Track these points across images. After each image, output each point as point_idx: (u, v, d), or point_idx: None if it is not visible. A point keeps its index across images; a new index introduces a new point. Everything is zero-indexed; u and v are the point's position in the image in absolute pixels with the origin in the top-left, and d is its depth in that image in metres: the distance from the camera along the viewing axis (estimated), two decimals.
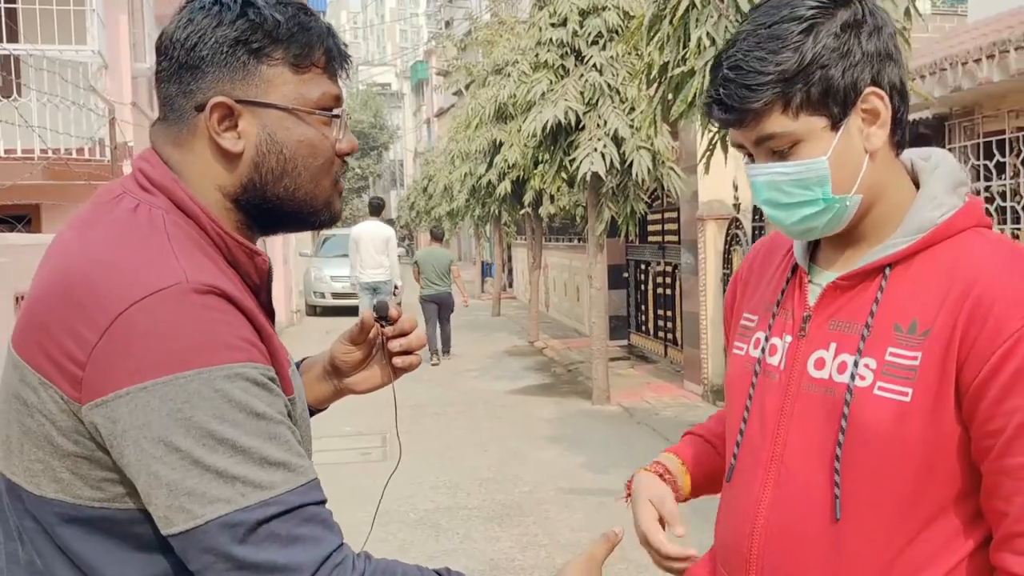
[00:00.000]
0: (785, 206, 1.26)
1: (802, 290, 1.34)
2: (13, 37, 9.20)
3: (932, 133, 8.54)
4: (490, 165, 13.13)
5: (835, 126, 1.22)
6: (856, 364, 1.23)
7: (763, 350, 1.36)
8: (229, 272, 1.16)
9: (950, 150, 8.10)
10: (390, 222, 16.32)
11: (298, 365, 1.54)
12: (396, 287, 11.98)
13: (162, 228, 1.13)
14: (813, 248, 1.38)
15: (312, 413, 1.53)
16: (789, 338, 1.34)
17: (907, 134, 1.30)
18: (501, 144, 12.17)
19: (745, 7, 4.66)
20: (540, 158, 9.31)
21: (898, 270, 1.25)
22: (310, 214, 1.26)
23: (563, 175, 9.14)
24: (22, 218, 9.66)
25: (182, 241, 1.12)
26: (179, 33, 1.18)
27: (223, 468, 1.02)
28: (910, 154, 1.33)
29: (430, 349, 12.21)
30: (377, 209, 12.36)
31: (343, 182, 1.30)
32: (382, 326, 1.47)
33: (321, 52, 1.21)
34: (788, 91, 1.20)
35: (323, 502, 1.10)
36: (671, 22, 4.91)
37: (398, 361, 1.49)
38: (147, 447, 1.02)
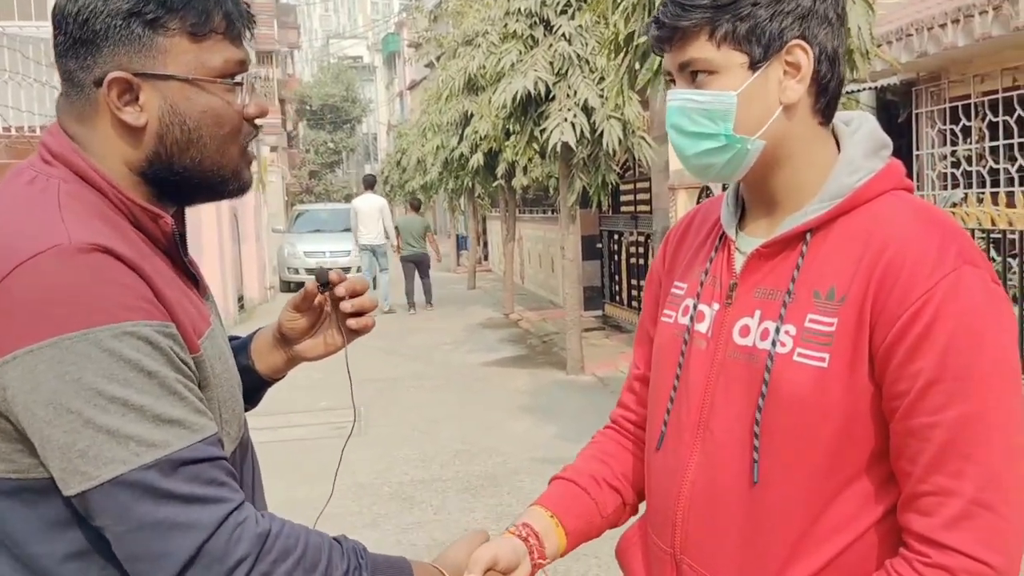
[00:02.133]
0: (689, 135, 1.27)
1: (729, 258, 1.35)
2: None
3: (899, 99, 8.58)
4: (462, 137, 13.08)
5: (753, 66, 1.23)
6: (777, 331, 1.24)
7: (691, 318, 1.37)
8: (134, 236, 1.16)
9: (917, 115, 8.15)
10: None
11: (251, 337, 1.56)
12: (394, 246, 15.09)
13: (54, 196, 1.12)
14: (740, 217, 1.39)
15: (270, 383, 1.55)
16: (716, 306, 1.35)
17: (835, 105, 1.30)
18: (472, 116, 12.12)
19: None
20: (511, 129, 9.27)
21: (818, 237, 1.26)
22: (219, 183, 1.25)
23: (534, 146, 9.11)
24: None
25: (74, 208, 1.11)
26: (71, 6, 1.16)
27: (115, 427, 1.01)
28: (835, 119, 1.33)
29: (408, 302, 14.96)
30: (371, 184, 15.60)
31: (254, 150, 1.27)
32: (321, 291, 1.46)
33: (220, 17, 1.19)
34: (717, 19, 1.22)
35: (222, 458, 1.09)
36: None
37: (351, 323, 1.47)
38: (38, 411, 1.01)
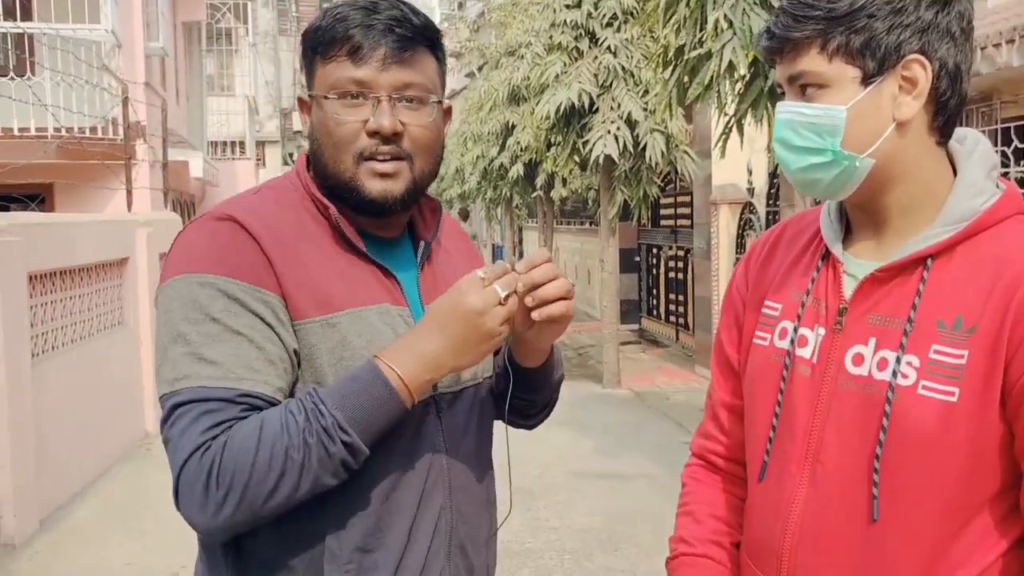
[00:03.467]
0: (795, 148, 1.22)
1: (836, 280, 1.27)
2: (27, 16, 9.20)
3: None
4: (502, 147, 13.09)
5: (866, 81, 1.18)
6: (898, 361, 1.17)
7: (791, 341, 1.29)
8: (306, 218, 1.37)
9: None
10: None
11: None
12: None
13: (267, 185, 1.44)
14: (844, 234, 1.32)
15: (537, 374, 1.51)
16: (822, 330, 1.27)
17: (954, 124, 1.23)
18: (514, 126, 12.12)
19: None
20: (553, 140, 9.26)
21: (940, 261, 1.19)
22: (341, 191, 1.37)
23: (576, 158, 9.09)
24: (35, 197, 9.69)
25: (263, 193, 1.41)
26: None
27: (173, 357, 1.25)
28: None
29: None
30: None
31: (382, 165, 1.35)
32: None
33: (346, 42, 1.34)
34: (830, 31, 1.17)
35: (232, 402, 1.22)
36: (688, 4, 4.86)
37: (534, 315, 1.34)
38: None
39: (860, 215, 1.29)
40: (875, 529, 1.19)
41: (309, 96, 1.41)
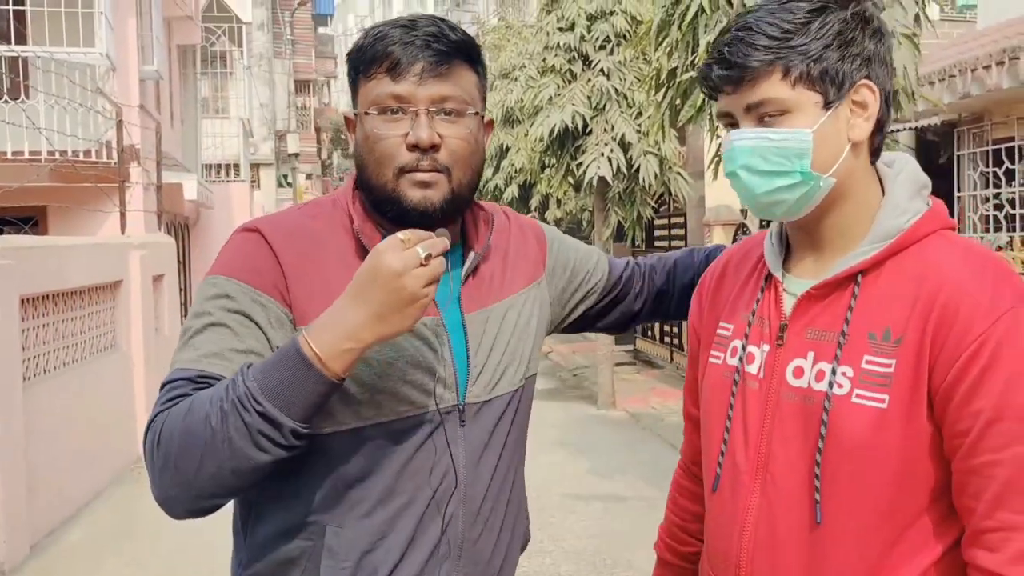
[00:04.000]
0: (762, 173, 1.27)
1: (777, 299, 1.36)
2: (21, 39, 9.22)
3: (941, 140, 8.50)
4: (497, 169, 13.13)
5: (827, 105, 1.26)
6: (834, 372, 1.25)
7: (740, 359, 1.38)
8: (338, 229, 1.44)
9: (959, 157, 8.06)
10: None
11: None
12: None
13: (315, 200, 1.53)
14: (785, 256, 1.40)
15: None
16: (767, 347, 1.35)
17: (882, 144, 1.34)
18: (508, 148, 12.17)
19: None
20: (547, 162, 9.29)
21: (869, 278, 1.28)
22: (382, 202, 1.42)
23: (570, 179, 9.11)
24: (28, 220, 9.67)
25: (310, 207, 1.51)
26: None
27: (181, 343, 1.37)
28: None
29: None
30: None
31: (421, 175, 1.39)
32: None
33: (386, 59, 1.39)
34: (791, 59, 1.24)
35: (192, 380, 1.31)
36: (680, 27, 4.89)
37: None
38: None
39: (802, 236, 1.36)
40: (821, 533, 1.26)
41: (353, 114, 1.46)
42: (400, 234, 1.25)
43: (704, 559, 1.48)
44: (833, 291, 1.29)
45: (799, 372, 1.29)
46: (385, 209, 1.42)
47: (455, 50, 1.40)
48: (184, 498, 1.28)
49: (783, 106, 1.25)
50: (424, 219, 1.38)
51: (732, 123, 1.31)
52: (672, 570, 1.64)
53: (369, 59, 1.40)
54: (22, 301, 5.44)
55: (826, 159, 1.26)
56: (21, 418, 5.24)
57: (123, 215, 9.07)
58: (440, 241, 1.26)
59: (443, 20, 1.43)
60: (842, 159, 1.27)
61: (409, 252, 1.23)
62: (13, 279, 5.26)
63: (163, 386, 1.33)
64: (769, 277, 1.39)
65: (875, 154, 1.33)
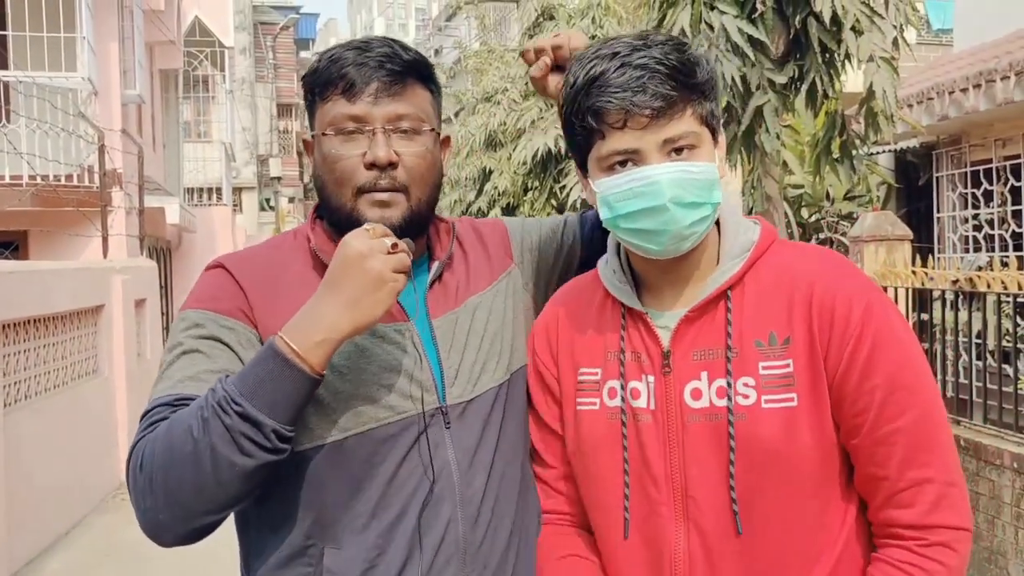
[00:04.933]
0: (687, 205, 1.30)
1: (649, 331, 1.38)
2: (3, 64, 9.20)
3: (920, 161, 8.60)
4: (480, 192, 13.16)
5: (715, 142, 1.36)
6: (729, 385, 1.31)
7: (622, 398, 1.38)
8: (295, 260, 1.47)
9: (938, 179, 8.15)
10: None
11: None
12: None
13: (281, 234, 1.58)
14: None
15: None
16: (651, 378, 1.36)
17: None
18: (491, 172, 12.20)
19: (736, 37, 4.69)
20: (530, 185, 9.35)
21: (736, 292, 1.36)
22: (342, 221, 1.41)
23: (553, 202, 9.17)
24: (9, 244, 9.60)
25: (274, 239, 1.56)
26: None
27: (156, 379, 1.38)
28: None
29: None
30: None
31: (379, 195, 1.40)
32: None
33: (341, 81, 1.40)
34: (697, 97, 1.31)
35: (170, 405, 1.31)
36: None
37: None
38: None
39: (663, 272, 1.39)
40: (751, 540, 1.31)
41: (311, 136, 1.47)
42: (366, 224, 1.30)
43: None
44: (706, 312, 1.35)
45: (697, 394, 1.33)
46: (345, 229, 1.37)
47: (408, 69, 1.42)
48: (172, 521, 1.25)
49: (695, 140, 1.31)
50: None
51: (632, 160, 1.30)
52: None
53: (324, 81, 1.42)
54: (3, 327, 5.39)
55: (718, 191, 1.34)
56: (1, 445, 5.18)
57: (105, 239, 9.02)
58: (405, 241, 1.30)
59: (395, 41, 1.46)
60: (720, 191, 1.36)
61: (376, 240, 1.27)
62: None
63: (143, 416, 1.33)
64: (625, 314, 1.41)
65: None
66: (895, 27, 4.89)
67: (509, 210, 12.52)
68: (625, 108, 1.27)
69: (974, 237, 7.74)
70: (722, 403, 1.31)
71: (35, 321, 5.98)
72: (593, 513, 1.44)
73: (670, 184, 1.28)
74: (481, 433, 1.44)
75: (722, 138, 1.39)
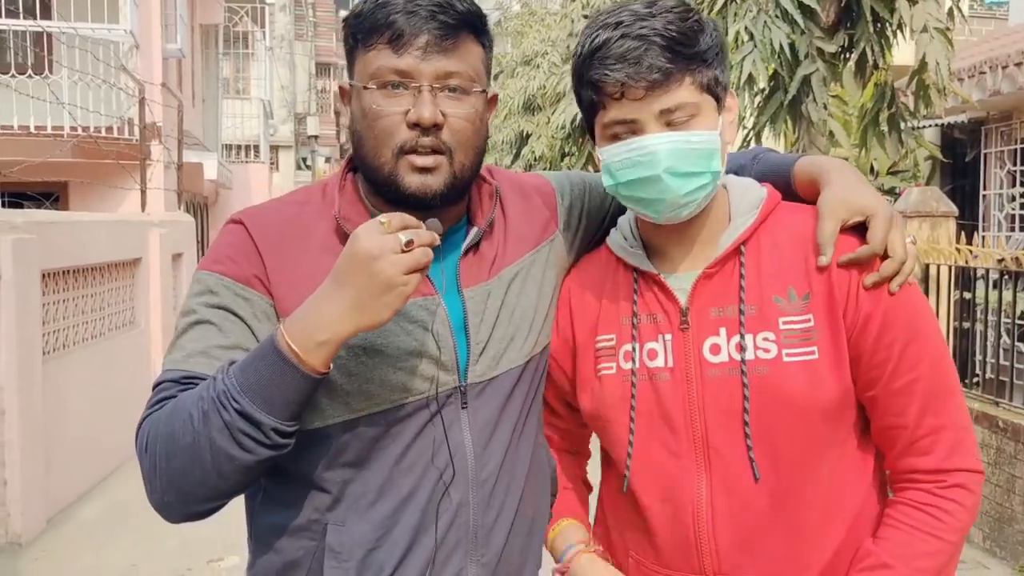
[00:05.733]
0: (683, 175, 1.31)
1: (664, 291, 1.41)
2: (47, 14, 9.24)
3: (967, 137, 8.41)
4: (516, 156, 13.08)
5: (719, 110, 1.36)
6: (743, 338, 1.35)
7: (635, 360, 1.41)
8: (321, 219, 1.38)
9: (986, 155, 7.97)
10: None
11: None
12: None
13: (310, 185, 1.47)
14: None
15: None
16: (669, 336, 1.40)
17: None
18: (528, 136, 12.12)
19: (786, 3, 4.58)
20: (567, 150, 9.26)
21: (749, 248, 1.39)
22: (381, 184, 1.34)
23: (590, 168, 9.08)
24: (50, 195, 9.71)
25: (300, 193, 1.45)
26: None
27: (169, 344, 1.34)
28: None
29: None
30: None
31: (421, 159, 1.31)
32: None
33: (387, 29, 1.29)
34: (698, 65, 1.32)
35: (178, 382, 1.27)
36: (709, 15, 4.83)
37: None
38: None
39: (674, 235, 1.42)
40: (765, 490, 1.34)
41: (349, 84, 1.37)
42: (381, 216, 1.17)
43: (645, 559, 1.45)
44: (721, 269, 1.39)
45: (716, 349, 1.37)
46: (382, 191, 1.33)
47: (462, 21, 1.30)
48: (177, 504, 1.24)
49: (695, 110, 1.31)
50: (421, 205, 1.31)
51: (631, 130, 1.32)
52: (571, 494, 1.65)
53: (369, 27, 1.30)
54: (43, 275, 5.46)
55: (721, 159, 1.36)
56: (40, 393, 5.27)
57: (143, 193, 9.09)
58: (427, 234, 1.18)
59: None
60: (725, 157, 1.38)
61: (389, 236, 1.15)
62: (35, 253, 5.27)
63: (153, 388, 1.29)
64: (638, 278, 1.44)
65: None
66: None
67: None
68: (621, 80, 1.29)
69: (1021, 216, 7.57)
70: (740, 356, 1.35)
71: (74, 271, 6.05)
72: (607, 468, 1.53)
73: (667, 155, 1.30)
74: (500, 413, 1.38)
75: (732, 101, 1.39)
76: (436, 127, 1.29)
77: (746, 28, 4.67)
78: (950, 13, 4.76)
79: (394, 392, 1.31)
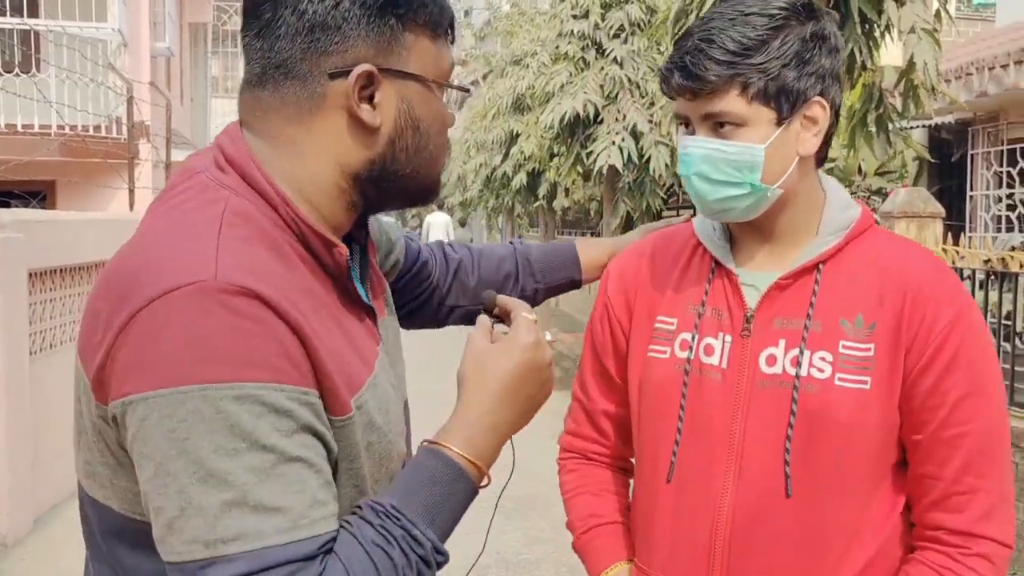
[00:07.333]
0: (713, 181, 1.32)
1: (735, 290, 1.40)
2: (34, 12, 9.20)
3: (954, 138, 8.46)
4: (506, 156, 13.07)
5: (779, 122, 1.30)
6: (802, 354, 1.32)
7: (692, 350, 1.40)
8: (296, 261, 1.02)
9: (972, 156, 8.02)
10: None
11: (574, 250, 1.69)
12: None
13: (218, 214, 0.98)
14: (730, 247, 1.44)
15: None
16: (729, 338, 1.38)
17: (827, 153, 1.41)
18: (518, 135, 12.11)
19: None
20: (556, 150, 9.26)
21: (828, 267, 1.36)
22: (423, 192, 1.14)
23: (579, 168, 9.08)
24: (37, 194, 9.67)
25: (237, 231, 0.97)
26: None
27: (208, 506, 0.87)
28: None
29: None
30: (440, 203, 18.13)
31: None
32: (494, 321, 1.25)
33: (449, 17, 1.11)
34: (749, 76, 1.27)
35: (311, 558, 0.91)
36: (697, 17, 4.85)
37: None
38: (142, 463, 0.91)
39: (751, 233, 1.41)
40: (807, 505, 1.31)
41: (403, 73, 1.06)
42: (527, 314, 1.14)
43: (657, 561, 1.44)
44: (796, 281, 1.36)
45: (772, 360, 1.35)
46: (413, 198, 1.15)
47: None
48: None
49: (739, 119, 1.29)
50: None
51: (687, 125, 1.35)
52: (607, 528, 1.57)
53: (436, 12, 1.09)
54: (30, 275, 5.43)
55: (775, 172, 1.31)
56: (27, 392, 5.24)
57: (132, 192, 9.06)
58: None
59: None
60: (790, 171, 1.32)
61: (544, 339, 1.14)
62: (22, 253, 5.24)
63: (265, 569, 0.88)
64: (715, 269, 1.42)
65: (820, 162, 1.40)
66: None
67: (535, 175, 12.45)
68: (676, 81, 1.31)
69: (1007, 217, 7.62)
70: (794, 372, 1.32)
71: (61, 271, 6.02)
72: (641, 457, 1.48)
73: (699, 159, 1.32)
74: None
75: (817, 113, 1.31)
76: None
77: None
78: (937, 15, 4.78)
79: (393, 463, 1.18)
